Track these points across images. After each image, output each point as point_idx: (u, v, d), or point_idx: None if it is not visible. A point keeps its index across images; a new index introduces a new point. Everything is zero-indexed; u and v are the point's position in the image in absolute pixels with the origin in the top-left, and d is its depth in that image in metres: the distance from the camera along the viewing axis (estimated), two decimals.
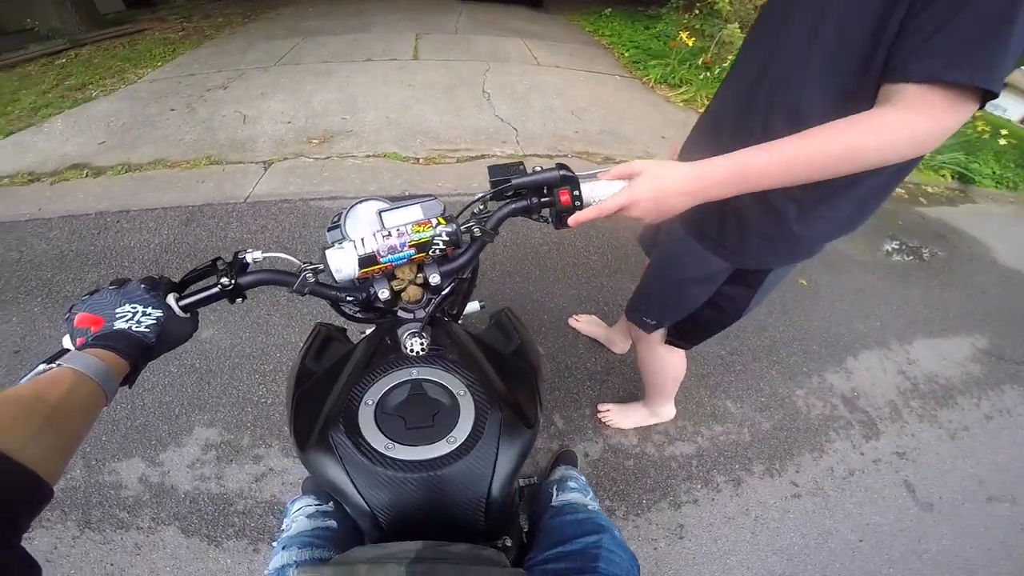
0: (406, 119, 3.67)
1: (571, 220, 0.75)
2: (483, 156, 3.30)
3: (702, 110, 4.02)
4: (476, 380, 0.72)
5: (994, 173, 5.59)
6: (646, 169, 0.72)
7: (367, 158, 3.11)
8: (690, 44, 5.03)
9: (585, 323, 2.13)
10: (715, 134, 0.98)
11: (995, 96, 0.64)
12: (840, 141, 0.67)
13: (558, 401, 1.85)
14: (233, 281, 0.65)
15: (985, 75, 0.62)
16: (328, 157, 3.08)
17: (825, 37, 0.75)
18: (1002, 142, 5.86)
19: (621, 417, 1.83)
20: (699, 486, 1.73)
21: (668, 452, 1.80)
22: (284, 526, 1.02)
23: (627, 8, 8.19)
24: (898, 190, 3.99)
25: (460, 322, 1.13)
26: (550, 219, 0.77)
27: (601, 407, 1.87)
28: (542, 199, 0.75)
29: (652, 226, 1.38)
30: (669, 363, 1.50)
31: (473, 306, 1.23)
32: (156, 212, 2.58)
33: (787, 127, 0.72)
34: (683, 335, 1.34)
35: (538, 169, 0.75)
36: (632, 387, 1.94)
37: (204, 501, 1.56)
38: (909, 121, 0.66)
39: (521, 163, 0.77)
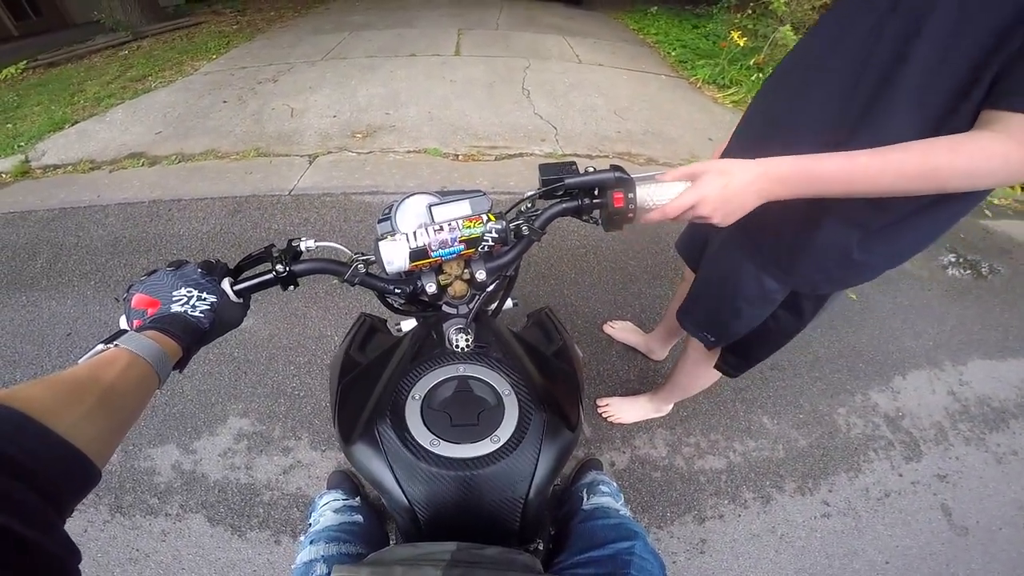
0: (447, 115, 3.70)
1: (644, 220, 0.74)
2: (521, 155, 3.29)
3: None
4: (521, 380, 0.71)
5: None
6: (710, 168, 0.71)
7: (408, 153, 3.15)
8: (742, 44, 4.87)
9: (620, 330, 2.09)
10: (777, 139, 0.89)
11: None
12: (922, 161, 0.64)
13: (587, 409, 1.84)
14: (288, 268, 0.66)
15: None
16: (371, 152, 3.14)
17: (924, 53, 0.68)
18: None
19: (623, 411, 1.80)
20: (726, 501, 1.69)
21: (697, 466, 1.76)
22: (311, 520, 1.04)
23: (674, 6, 8.00)
24: None
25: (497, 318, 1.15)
26: (600, 221, 0.76)
27: (600, 401, 1.83)
28: (593, 200, 0.74)
29: (693, 235, 1.34)
30: (712, 375, 1.46)
31: (507, 303, 1.26)
32: (206, 201, 2.69)
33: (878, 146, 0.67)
34: (735, 359, 1.29)
35: (591, 169, 0.74)
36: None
37: (232, 491, 1.60)
38: (1009, 151, 0.61)
39: (573, 163, 0.76)
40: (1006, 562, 1.71)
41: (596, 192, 0.74)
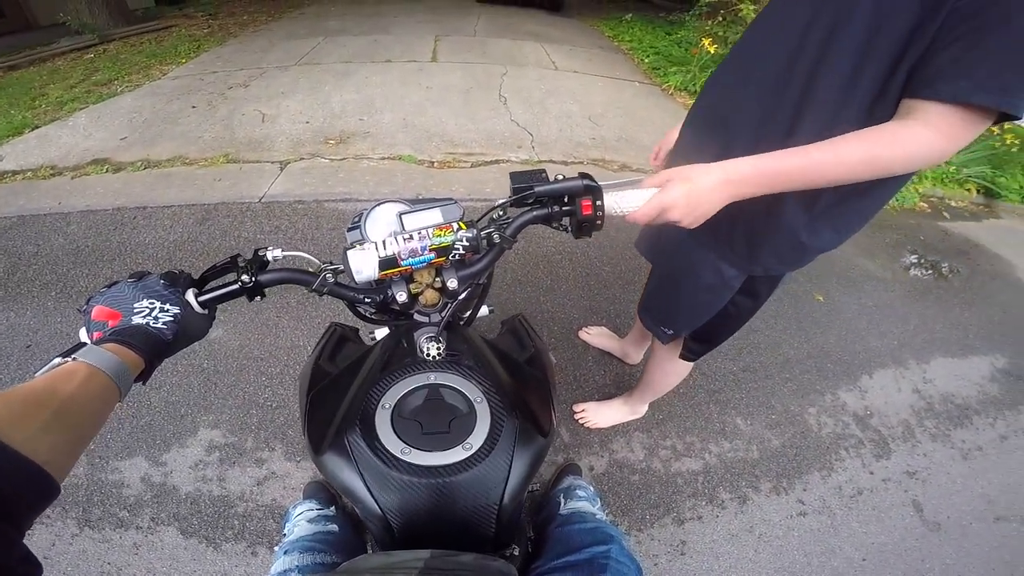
0: (422, 121, 3.69)
1: (630, 217, 0.76)
2: (497, 161, 3.29)
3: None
4: (493, 387, 0.71)
5: (1021, 188, 5.44)
6: (674, 175, 0.75)
7: (382, 160, 3.12)
8: (712, 51, 4.97)
9: (595, 335, 2.11)
10: (720, 132, 0.95)
11: (1017, 118, 0.67)
12: (868, 151, 0.71)
13: (564, 414, 1.84)
14: (253, 279, 0.65)
15: (1011, 100, 0.65)
16: (344, 158, 3.10)
17: (851, 42, 0.74)
18: None
19: (599, 415, 1.81)
20: (704, 503, 1.71)
21: (674, 468, 1.77)
22: (286, 531, 1.02)
23: (648, 14, 8.15)
24: (921, 204, 3.91)
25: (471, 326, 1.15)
26: (569, 228, 0.77)
27: (577, 407, 1.84)
28: (563, 208, 0.75)
29: (651, 232, 1.36)
30: (680, 370, 1.52)
31: (483, 310, 1.26)
32: (173, 209, 2.61)
33: (816, 138, 0.74)
34: (697, 346, 1.34)
35: (560, 177, 0.75)
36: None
37: (205, 503, 1.56)
38: (931, 139, 0.69)
39: (543, 171, 0.77)
40: (979, 556, 1.77)
41: (566, 200, 0.75)
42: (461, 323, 0.94)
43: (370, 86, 4.23)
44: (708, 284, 1.12)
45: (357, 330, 1.03)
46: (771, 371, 2.20)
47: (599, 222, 0.74)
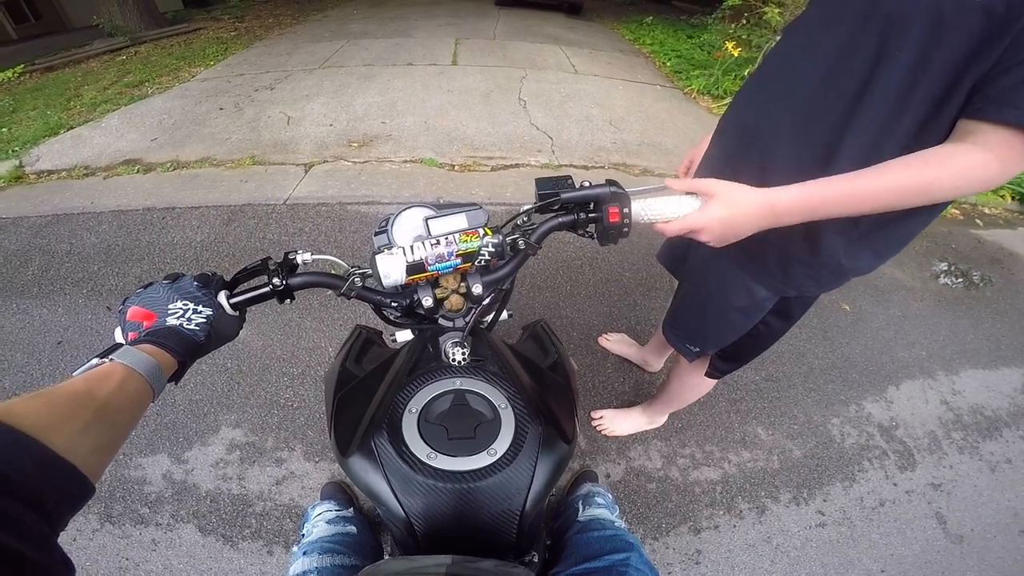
0: (443, 125, 3.72)
1: (658, 228, 0.74)
2: (517, 165, 3.30)
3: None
4: (517, 393, 0.71)
5: None
6: (720, 193, 0.72)
7: (404, 163, 3.16)
8: (736, 54, 4.91)
9: (616, 342, 2.09)
10: (753, 149, 0.90)
11: None
12: (917, 178, 0.67)
13: (582, 421, 1.83)
14: (284, 281, 0.66)
15: None
16: (367, 161, 3.14)
17: (901, 70, 0.70)
18: None
19: (617, 423, 1.79)
20: (721, 512, 1.68)
21: (692, 477, 1.75)
22: (304, 531, 1.03)
23: (670, 17, 8.09)
24: (953, 211, 3.80)
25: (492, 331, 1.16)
26: (595, 235, 0.76)
27: (595, 414, 1.83)
28: (589, 215, 0.74)
29: (675, 244, 1.33)
30: (704, 384, 1.47)
31: (503, 315, 1.26)
32: (200, 210, 2.68)
33: (860, 157, 0.73)
34: (724, 364, 1.30)
35: (587, 184, 0.74)
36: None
37: (224, 501, 1.58)
38: (988, 163, 0.65)
39: (569, 177, 0.76)
40: (1001, 570, 1.72)
41: (592, 206, 0.74)
42: (483, 328, 0.94)
43: (392, 89, 4.29)
44: (739, 305, 1.08)
45: (381, 333, 1.04)
46: (794, 381, 2.16)
47: (626, 229, 0.73)
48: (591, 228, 0.76)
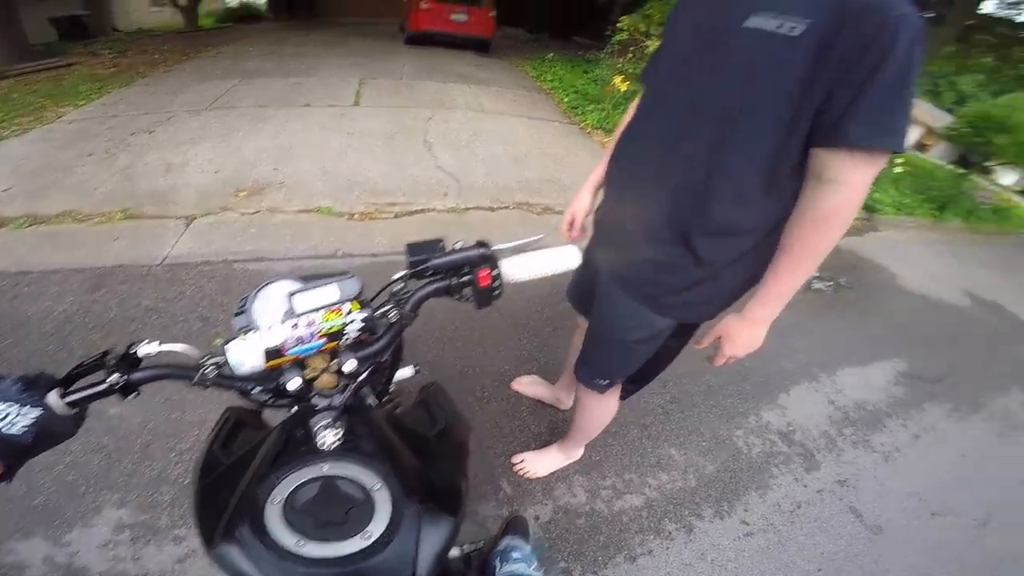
0: (342, 170, 3.60)
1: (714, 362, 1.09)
2: (423, 211, 3.25)
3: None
4: (393, 472, 0.69)
5: (894, 201, 6.15)
6: (723, 332, 1.06)
7: (298, 213, 2.99)
8: (623, 89, 5.26)
9: (528, 385, 2.10)
10: (642, 184, 1.05)
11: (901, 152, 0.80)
12: (820, 238, 0.87)
13: (504, 467, 1.81)
14: (124, 377, 0.63)
15: (899, 139, 0.78)
16: (256, 212, 2.94)
17: (749, 103, 0.85)
18: (898, 170, 6.49)
19: (537, 465, 1.82)
20: (652, 536, 1.71)
21: (618, 506, 1.77)
22: None
23: (569, 52, 8.58)
24: None
25: (392, 389, 1.11)
26: (472, 298, 0.76)
27: (515, 458, 1.84)
28: (462, 278, 0.74)
29: (579, 282, 1.45)
30: (608, 411, 1.55)
31: (407, 372, 1.22)
32: (61, 274, 2.35)
33: (730, 190, 0.91)
34: (632, 386, 1.43)
35: (457, 247, 0.75)
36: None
37: None
38: (847, 200, 0.83)
39: (440, 240, 0.76)
40: (926, 552, 1.89)
41: (465, 270, 0.74)
42: (371, 403, 0.90)
43: (287, 132, 4.11)
44: (640, 337, 1.18)
45: (257, 412, 0.97)
46: (696, 400, 2.28)
47: (497, 291, 0.74)
48: (467, 292, 0.75)
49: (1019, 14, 11.41)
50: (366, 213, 3.11)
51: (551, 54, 8.28)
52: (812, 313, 3.22)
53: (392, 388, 1.11)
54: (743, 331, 1.03)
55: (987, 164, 23.68)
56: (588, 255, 1.28)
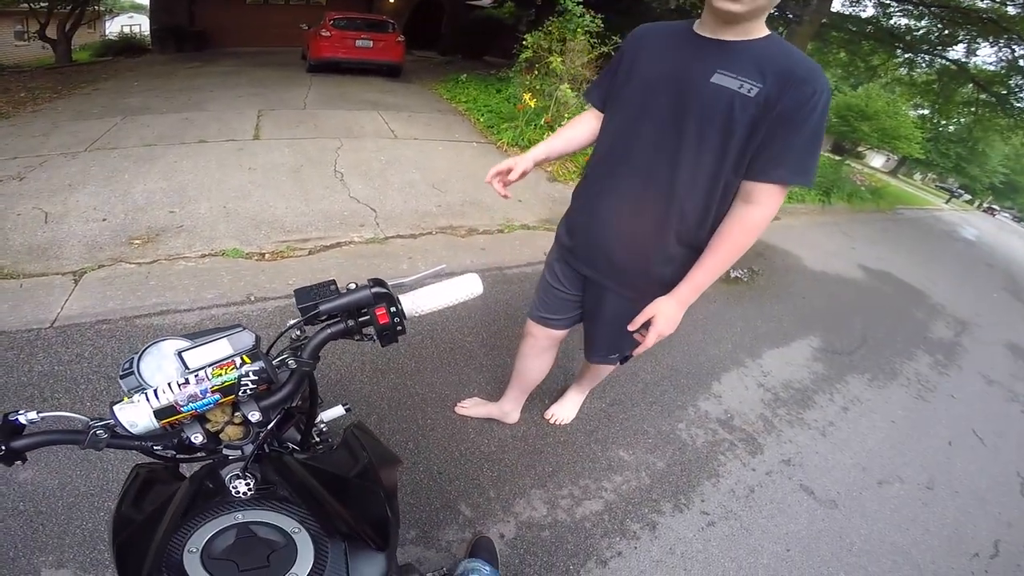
0: (247, 208, 3.36)
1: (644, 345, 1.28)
2: (339, 244, 3.09)
3: (550, 168, 4.26)
4: (311, 514, 0.70)
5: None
6: (654, 310, 1.24)
7: (202, 258, 2.73)
8: (532, 105, 5.41)
9: (472, 407, 2.08)
10: (636, 211, 1.27)
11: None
12: (737, 245, 1.17)
13: (459, 490, 1.75)
14: (3, 447, 0.60)
15: (811, 178, 1.08)
16: (155, 261, 2.65)
17: (711, 142, 1.10)
18: None
19: (564, 412, 2.09)
20: (618, 538, 1.71)
21: (579, 514, 1.76)
22: None
23: (482, 72, 8.68)
24: None
25: (325, 429, 1.09)
26: (375, 337, 0.75)
27: (546, 414, 2.10)
28: (359, 320, 0.74)
29: (550, 301, 1.64)
30: (612, 368, 1.83)
31: (336, 411, 1.19)
32: None
33: (700, 210, 1.18)
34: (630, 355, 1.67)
35: (351, 287, 0.74)
36: (531, 460, 1.91)
37: None
38: (764, 214, 1.12)
39: (332, 282, 0.76)
40: (884, 520, 2.02)
41: (364, 310, 0.74)
42: (280, 448, 0.87)
43: (180, 171, 3.79)
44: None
45: (167, 467, 0.90)
46: (635, 399, 2.33)
47: (400, 328, 0.75)
48: (370, 330, 0.75)
49: (864, 10, 13.22)
50: (277, 252, 2.90)
51: (464, 75, 8.34)
52: (730, 302, 3.42)
53: (324, 428, 1.10)
54: (673, 311, 1.23)
55: (859, 150, 26.97)
56: (565, 270, 1.54)
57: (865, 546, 1.90)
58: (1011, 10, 9.90)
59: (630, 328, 1.28)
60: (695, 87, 1.08)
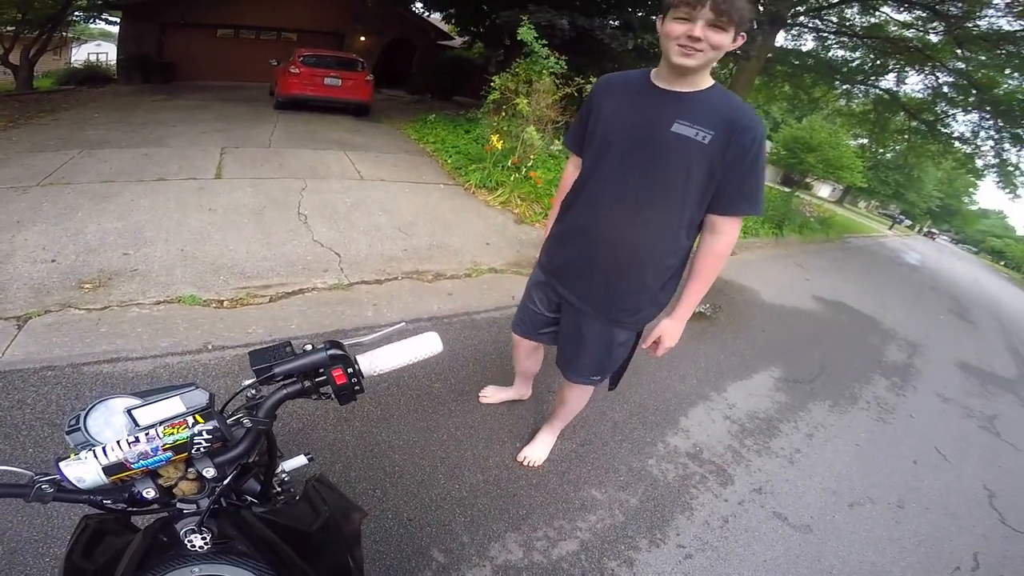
0: (206, 252, 3.25)
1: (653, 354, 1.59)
2: (301, 291, 3.01)
3: (517, 210, 4.38)
4: (270, 568, 0.69)
5: (743, 226, 7.06)
6: (660, 331, 1.55)
7: (157, 305, 2.62)
8: (499, 147, 5.48)
9: (493, 393, 2.37)
10: (609, 242, 1.46)
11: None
12: (712, 271, 1.42)
13: (431, 536, 1.70)
14: None
15: (761, 208, 1.32)
16: (106, 307, 2.52)
17: (675, 183, 1.31)
18: None
19: (536, 453, 2.09)
20: None
21: (555, 555, 1.73)
22: None
23: (451, 113, 8.81)
24: None
25: (286, 479, 1.06)
26: (332, 396, 0.76)
27: (519, 457, 2.09)
28: (316, 380, 0.76)
29: (527, 319, 1.84)
30: (586, 398, 1.96)
31: (298, 461, 1.14)
32: None
33: (669, 242, 1.40)
34: (616, 376, 1.83)
35: (307, 349, 0.76)
36: (504, 504, 1.88)
37: None
38: (728, 243, 1.38)
39: (288, 343, 0.78)
40: (860, 541, 2.05)
41: (321, 370, 0.75)
42: (238, 502, 0.85)
43: (137, 211, 3.67)
44: (620, 342, 1.64)
45: (117, 518, 0.87)
46: (605, 438, 2.33)
47: (358, 388, 0.75)
48: (327, 389, 0.76)
49: (803, 45, 14.35)
50: (236, 299, 2.80)
51: (433, 115, 8.45)
52: (693, 339, 3.51)
53: (286, 478, 1.06)
54: (676, 328, 1.53)
55: (807, 181, 28.66)
56: (541, 296, 1.74)
57: (844, 568, 1.94)
58: (933, 38, 10.97)
59: (644, 345, 1.60)
60: (660, 135, 1.27)
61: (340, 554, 0.82)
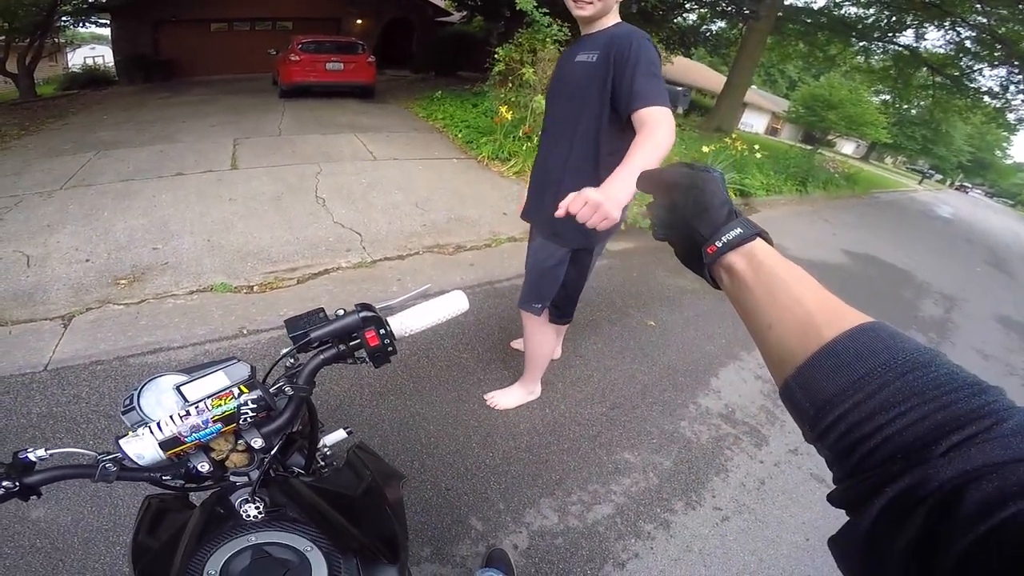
0: (231, 240, 3.33)
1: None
2: (327, 271, 3.08)
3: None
4: (322, 533, 0.73)
5: (762, 183, 6.90)
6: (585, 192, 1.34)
7: (191, 295, 2.70)
8: (509, 117, 5.44)
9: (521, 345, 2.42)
10: (549, 164, 1.67)
11: (674, 109, 1.39)
12: (656, 152, 1.29)
13: (468, 504, 1.75)
14: (17, 483, 0.61)
15: (663, 101, 1.35)
16: (143, 300, 2.61)
17: (579, 100, 1.52)
18: (759, 156, 7.31)
19: (504, 400, 2.16)
20: (633, 540, 1.71)
21: (591, 519, 1.76)
22: None
23: (457, 88, 8.69)
24: None
25: (328, 452, 1.11)
26: (368, 360, 0.77)
27: (486, 396, 2.18)
28: (350, 344, 0.77)
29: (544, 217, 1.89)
30: (546, 339, 1.98)
31: (338, 435, 1.20)
32: None
33: (592, 154, 1.54)
34: (556, 311, 1.85)
35: (339, 314, 0.77)
36: (536, 469, 1.91)
37: None
38: (666, 130, 1.31)
39: (321, 310, 0.79)
40: None
41: (354, 334, 0.77)
42: (287, 472, 0.89)
43: (160, 206, 3.75)
44: (551, 263, 1.72)
45: (179, 496, 0.93)
46: (636, 401, 2.34)
47: (391, 349, 0.77)
48: (362, 353, 0.77)
49: (815, 2, 13.62)
50: (266, 284, 2.87)
51: (439, 92, 8.34)
52: (720, 298, 3.43)
53: (328, 452, 1.12)
54: (596, 193, 1.25)
55: (829, 138, 27.62)
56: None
57: None
58: None
59: (557, 214, 1.16)
60: (569, 69, 1.57)
61: (385, 516, 0.85)
